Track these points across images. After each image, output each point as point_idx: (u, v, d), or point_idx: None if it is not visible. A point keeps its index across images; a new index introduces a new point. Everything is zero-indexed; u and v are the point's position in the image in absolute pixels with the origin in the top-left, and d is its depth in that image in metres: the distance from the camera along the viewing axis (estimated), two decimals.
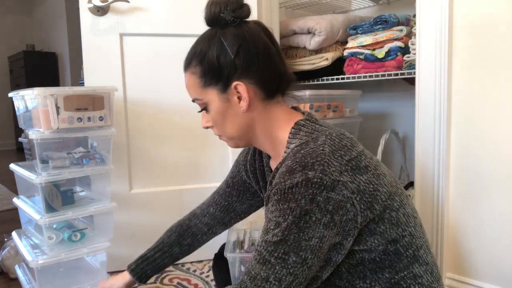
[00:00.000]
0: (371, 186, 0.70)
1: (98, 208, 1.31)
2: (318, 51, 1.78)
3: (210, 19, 0.81)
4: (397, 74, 1.56)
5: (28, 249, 1.28)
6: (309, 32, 1.74)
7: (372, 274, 0.72)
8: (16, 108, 1.43)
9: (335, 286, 0.75)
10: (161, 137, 1.65)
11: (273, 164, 0.91)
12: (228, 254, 1.01)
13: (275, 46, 0.82)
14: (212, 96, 0.81)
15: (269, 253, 0.68)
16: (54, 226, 1.29)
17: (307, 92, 1.70)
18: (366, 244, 0.71)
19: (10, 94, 1.39)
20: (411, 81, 1.53)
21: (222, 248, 1.12)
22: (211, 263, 1.65)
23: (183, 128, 1.66)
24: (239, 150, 1.81)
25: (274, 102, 0.82)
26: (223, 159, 1.72)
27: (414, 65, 1.36)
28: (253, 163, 0.99)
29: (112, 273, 1.55)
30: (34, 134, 1.21)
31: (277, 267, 0.67)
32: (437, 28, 1.24)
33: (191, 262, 1.70)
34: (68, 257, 1.24)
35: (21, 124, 1.42)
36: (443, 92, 1.24)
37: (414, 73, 1.35)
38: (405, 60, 1.56)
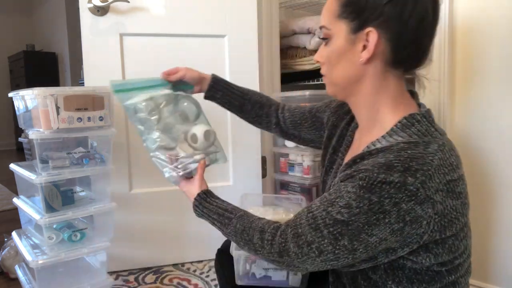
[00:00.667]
0: (454, 213, 0.67)
1: (98, 208, 1.31)
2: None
3: None
4: None
5: (28, 249, 1.28)
6: (309, 32, 1.74)
7: (407, 283, 0.71)
8: (16, 108, 1.43)
9: (367, 276, 0.74)
10: None
11: (359, 136, 0.85)
12: (234, 251, 1.01)
13: (434, 18, 0.73)
14: (341, 31, 0.74)
15: (325, 225, 0.67)
16: (54, 226, 1.29)
17: (307, 92, 1.70)
18: (417, 257, 0.69)
19: (10, 94, 1.39)
20: (411, 81, 1.53)
21: (225, 244, 1.12)
22: (211, 263, 1.65)
23: None
24: (238, 149, 1.80)
25: (395, 74, 0.75)
26: None
27: None
28: (340, 120, 0.94)
29: (112, 273, 1.55)
30: (34, 134, 1.20)
31: (326, 241, 0.66)
32: (438, 28, 1.23)
33: (191, 262, 1.70)
34: (68, 257, 1.24)
35: (21, 124, 1.42)
36: (444, 92, 1.24)
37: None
38: None
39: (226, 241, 1.13)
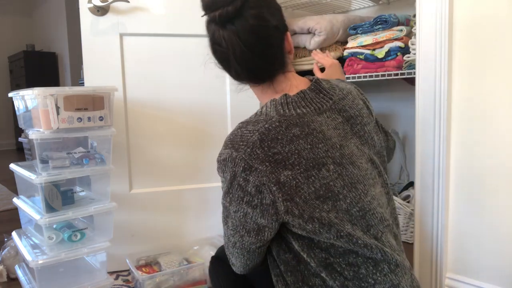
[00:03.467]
0: (294, 182, 0.74)
1: (98, 208, 1.31)
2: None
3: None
4: (397, 74, 1.56)
5: (28, 249, 1.28)
6: (309, 32, 1.74)
7: (308, 249, 0.78)
8: (16, 108, 1.43)
9: (287, 248, 0.82)
10: (161, 137, 1.65)
11: None
12: None
13: (247, 44, 0.85)
14: None
15: (222, 213, 0.84)
16: (54, 226, 1.29)
17: None
18: (299, 230, 0.77)
19: (10, 94, 1.39)
20: (411, 81, 1.53)
21: (219, 250, 1.12)
22: None
23: (183, 128, 1.67)
24: None
25: (264, 86, 0.90)
26: None
27: (414, 65, 1.36)
28: None
29: (112, 273, 1.55)
30: (34, 134, 1.21)
31: (224, 227, 0.84)
32: (437, 28, 1.24)
33: None
34: (68, 257, 1.24)
35: (21, 124, 1.42)
36: (443, 92, 1.24)
37: (414, 73, 1.35)
38: (405, 60, 1.56)
39: (220, 248, 1.13)
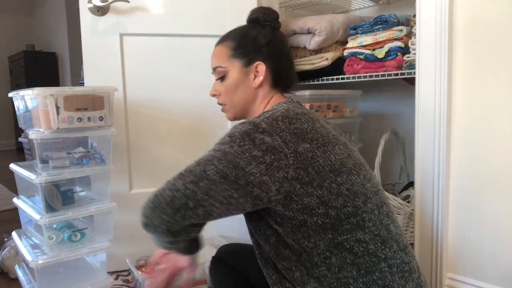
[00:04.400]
0: (310, 154, 0.79)
1: (98, 208, 1.31)
2: (318, 51, 1.78)
3: (253, 19, 1.03)
4: (397, 74, 1.56)
5: (28, 249, 1.28)
6: (309, 32, 1.74)
7: (315, 234, 0.78)
8: (16, 108, 1.43)
9: (285, 243, 0.81)
10: (161, 137, 1.65)
11: None
12: None
13: (290, 55, 1.06)
14: (235, 67, 0.97)
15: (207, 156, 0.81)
16: (54, 226, 1.29)
17: (307, 92, 1.70)
18: (303, 203, 0.77)
19: (10, 94, 1.39)
20: (411, 81, 1.53)
21: (220, 251, 1.12)
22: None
23: (183, 128, 1.67)
24: None
25: (276, 92, 0.99)
26: None
27: (414, 65, 1.36)
28: None
29: (112, 273, 1.55)
30: (34, 134, 1.21)
31: (203, 160, 0.81)
32: (437, 28, 1.24)
33: None
34: (68, 257, 1.24)
35: (21, 124, 1.42)
36: (443, 92, 1.24)
37: (414, 73, 1.34)
38: (405, 60, 1.56)
39: (220, 248, 1.13)
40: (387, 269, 0.78)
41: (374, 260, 0.78)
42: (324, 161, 0.79)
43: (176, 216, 0.80)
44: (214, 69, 1.01)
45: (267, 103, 0.99)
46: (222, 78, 0.99)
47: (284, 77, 1.00)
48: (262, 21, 1.01)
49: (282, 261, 0.82)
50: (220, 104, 1.04)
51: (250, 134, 0.78)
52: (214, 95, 1.03)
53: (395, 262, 0.79)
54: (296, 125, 0.81)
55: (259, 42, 0.97)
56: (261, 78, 0.96)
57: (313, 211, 0.77)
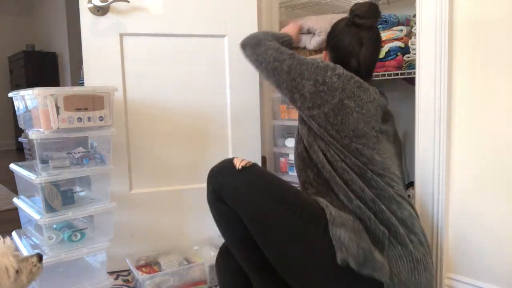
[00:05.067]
0: (348, 109, 1.05)
1: (98, 208, 1.31)
2: (318, 51, 1.78)
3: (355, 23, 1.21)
4: (397, 74, 1.56)
5: (28, 249, 1.28)
6: (309, 32, 1.74)
7: (345, 158, 1.04)
8: (16, 108, 1.43)
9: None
10: (161, 137, 1.65)
11: None
12: None
13: (347, 47, 1.22)
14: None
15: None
16: (54, 226, 1.29)
17: None
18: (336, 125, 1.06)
19: (10, 94, 1.39)
20: (411, 81, 1.53)
21: (226, 243, 1.12)
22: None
23: (183, 128, 1.67)
24: (238, 149, 1.81)
25: None
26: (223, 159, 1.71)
27: (414, 65, 1.35)
28: None
29: (112, 273, 1.55)
30: (34, 134, 1.21)
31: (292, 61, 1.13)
32: (437, 28, 1.23)
33: None
34: (68, 257, 1.24)
35: (21, 124, 1.42)
36: (443, 92, 1.24)
37: (414, 73, 1.34)
38: (405, 60, 1.56)
39: (224, 242, 1.13)
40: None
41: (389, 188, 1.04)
42: (353, 123, 1.04)
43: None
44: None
45: None
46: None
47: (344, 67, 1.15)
48: (350, 19, 1.21)
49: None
50: None
51: (328, 67, 1.09)
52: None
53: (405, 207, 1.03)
54: (360, 90, 1.07)
55: (332, 34, 1.25)
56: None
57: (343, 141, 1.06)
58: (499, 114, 1.17)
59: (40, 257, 0.99)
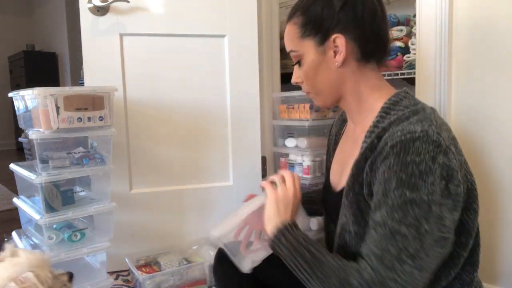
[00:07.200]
0: (464, 170, 0.71)
1: (98, 208, 1.31)
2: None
3: None
4: (397, 74, 1.56)
5: (28, 249, 1.28)
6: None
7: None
8: (16, 108, 1.43)
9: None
10: (161, 137, 1.65)
11: (352, 129, 0.89)
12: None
13: (382, 10, 0.79)
14: (308, 48, 0.80)
15: (397, 221, 0.62)
16: (54, 226, 1.29)
17: None
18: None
19: (10, 94, 1.39)
20: (411, 81, 1.53)
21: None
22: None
23: (183, 128, 1.67)
24: (238, 149, 1.81)
25: (370, 67, 0.81)
26: (223, 159, 1.72)
27: (414, 65, 1.36)
28: (340, 127, 0.99)
29: (112, 273, 1.55)
30: (34, 134, 1.21)
31: (410, 238, 0.61)
32: (437, 28, 1.24)
33: None
34: (68, 257, 1.24)
35: (21, 124, 1.42)
36: (443, 92, 1.24)
37: (414, 73, 1.34)
38: (405, 60, 1.56)
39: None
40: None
41: None
42: (470, 176, 0.77)
43: None
44: (289, 53, 0.86)
45: (362, 82, 0.81)
46: (298, 63, 0.84)
47: (374, 43, 0.79)
48: None
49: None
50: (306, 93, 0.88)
51: (435, 158, 0.64)
52: (296, 83, 0.87)
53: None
54: (451, 134, 0.73)
55: (330, 9, 0.76)
56: (342, 54, 0.77)
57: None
58: (499, 113, 1.17)
59: (71, 276, 0.95)
